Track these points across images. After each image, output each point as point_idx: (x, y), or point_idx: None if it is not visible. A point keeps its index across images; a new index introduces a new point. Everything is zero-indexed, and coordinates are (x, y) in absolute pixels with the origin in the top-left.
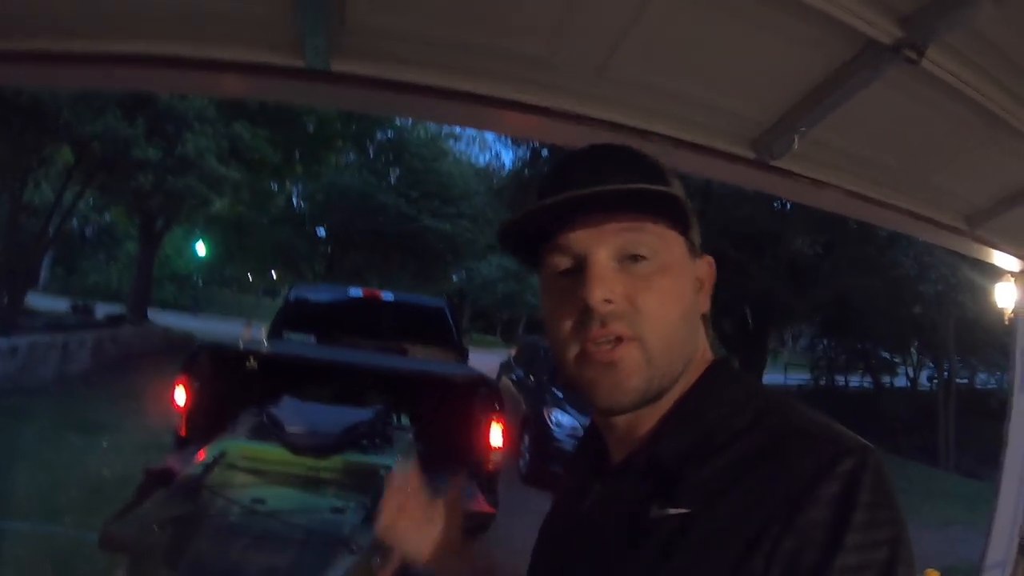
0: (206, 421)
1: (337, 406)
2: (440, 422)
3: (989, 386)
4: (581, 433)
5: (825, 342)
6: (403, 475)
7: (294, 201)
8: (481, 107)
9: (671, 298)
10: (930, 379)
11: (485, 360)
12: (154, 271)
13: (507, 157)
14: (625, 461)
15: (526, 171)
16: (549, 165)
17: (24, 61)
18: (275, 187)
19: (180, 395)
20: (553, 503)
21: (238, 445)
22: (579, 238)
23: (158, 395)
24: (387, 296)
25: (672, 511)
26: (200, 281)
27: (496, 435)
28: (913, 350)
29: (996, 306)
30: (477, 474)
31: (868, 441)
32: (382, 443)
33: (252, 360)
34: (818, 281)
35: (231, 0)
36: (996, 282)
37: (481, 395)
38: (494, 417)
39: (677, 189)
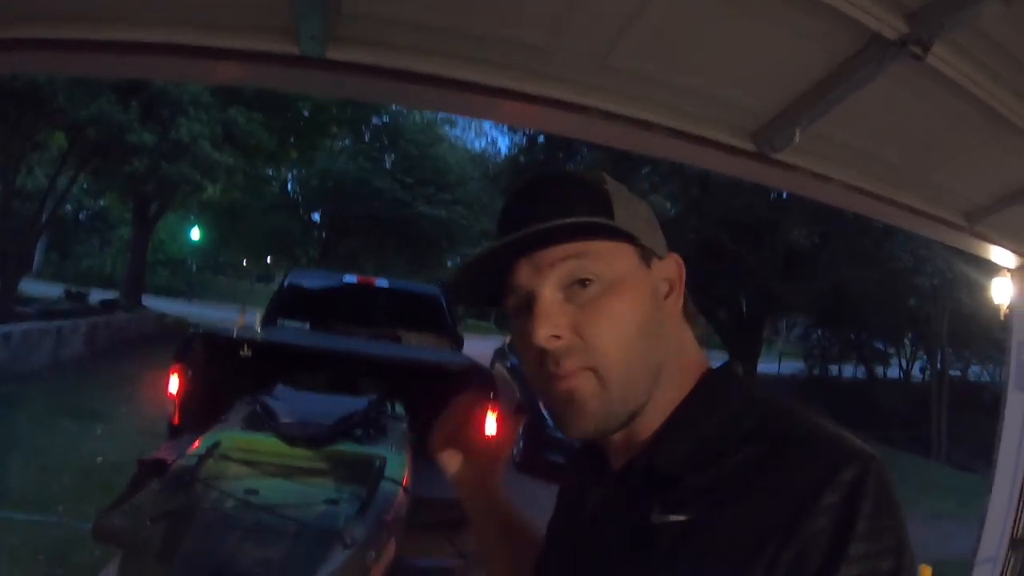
0: (200, 409)
1: (331, 395)
2: (434, 411)
3: (982, 379)
4: None
5: (819, 332)
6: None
7: (289, 187)
8: (479, 96)
9: (621, 319)
10: (923, 370)
11: (479, 347)
12: (148, 256)
13: (503, 143)
14: (625, 467)
15: (522, 157)
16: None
17: (18, 49)
18: (270, 173)
19: (173, 383)
20: (556, 507)
21: (231, 436)
22: (522, 277)
23: (152, 382)
24: (382, 283)
25: (673, 518)
26: (194, 267)
27: (491, 424)
28: (907, 341)
29: (991, 301)
30: None
31: (864, 439)
32: (376, 433)
33: (246, 348)
34: (815, 272)
35: None
36: (992, 277)
37: (476, 383)
38: (488, 406)
39: (618, 201)
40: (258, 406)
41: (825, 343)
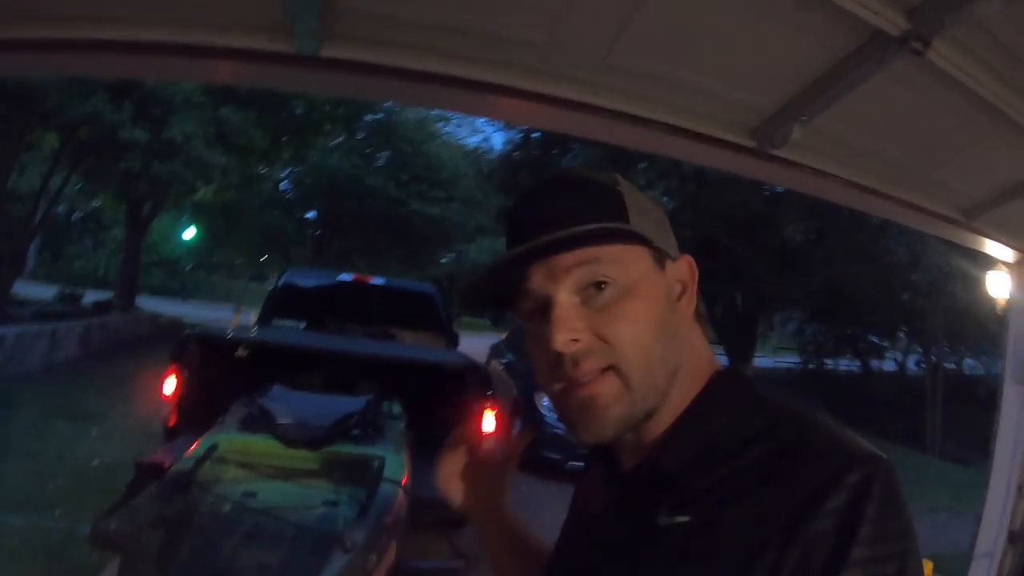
0: (196, 410)
1: (328, 395)
2: (431, 410)
3: (977, 373)
4: None
5: (814, 327)
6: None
7: (282, 185)
8: (478, 94)
9: (638, 320)
10: (918, 364)
11: (474, 344)
12: (142, 257)
13: (497, 140)
14: (634, 469)
15: (516, 154)
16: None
17: (11, 50)
18: (263, 171)
19: (169, 385)
20: (571, 506)
21: (229, 438)
22: (537, 282)
23: (147, 383)
24: (377, 281)
25: (679, 519)
26: (188, 267)
27: (488, 422)
28: (901, 335)
29: (986, 295)
30: None
31: (859, 433)
32: (374, 433)
33: (241, 348)
34: (810, 267)
35: None
36: (987, 271)
37: (473, 381)
38: (487, 404)
39: (632, 203)
40: (255, 408)
41: (820, 337)
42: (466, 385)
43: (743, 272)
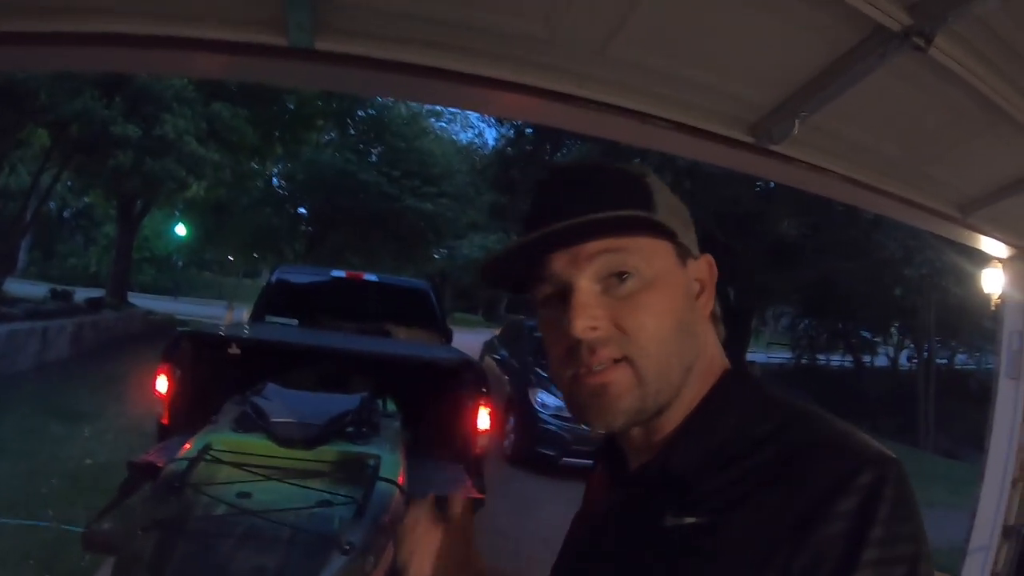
0: (189, 409)
1: (322, 393)
2: (426, 407)
3: (968, 367)
4: (566, 414)
5: (807, 322)
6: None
7: (274, 181)
8: (474, 87)
9: (658, 314)
10: (910, 359)
11: (467, 340)
12: (133, 254)
13: (490, 135)
14: (641, 469)
15: (509, 149)
16: (533, 189)
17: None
18: (255, 167)
19: (162, 383)
20: (581, 505)
21: (222, 437)
22: (559, 267)
23: (140, 382)
24: (370, 277)
25: (687, 520)
26: (180, 263)
27: (483, 419)
28: (894, 330)
29: (980, 290)
30: (464, 459)
31: (852, 417)
32: (369, 431)
33: (234, 346)
34: (802, 262)
35: None
36: (981, 267)
37: (468, 378)
38: (481, 401)
39: (659, 197)
40: (249, 406)
41: (812, 332)
42: (461, 382)
43: (736, 267)
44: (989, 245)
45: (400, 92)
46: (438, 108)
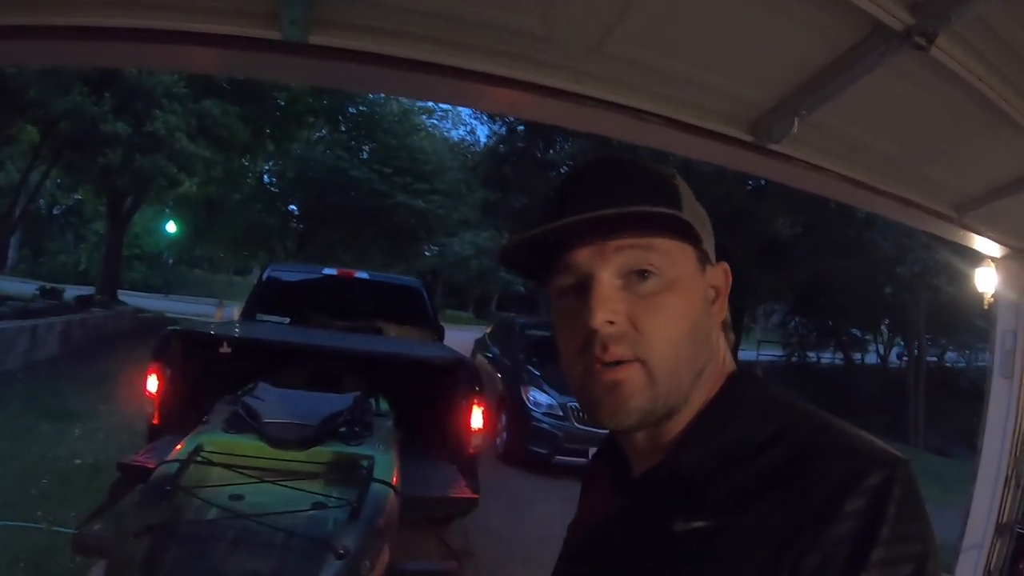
0: (180, 408)
1: (315, 393)
2: (419, 406)
3: (959, 365)
4: (559, 412)
5: (797, 319)
6: None
7: (265, 178)
8: (470, 83)
9: (676, 316)
10: (900, 357)
11: (458, 337)
12: (124, 251)
13: (482, 132)
14: (647, 473)
15: (501, 147)
16: (558, 184)
17: None
18: (246, 164)
19: (152, 382)
20: (578, 508)
21: (214, 438)
22: (582, 258)
23: (130, 380)
24: (362, 275)
25: (694, 524)
26: (170, 261)
27: (477, 418)
28: (884, 328)
29: (971, 288)
30: (458, 458)
31: (843, 415)
32: (362, 431)
33: (225, 344)
34: (793, 260)
35: None
36: (973, 265)
37: (461, 377)
38: (475, 400)
39: (686, 200)
40: (240, 406)
41: (803, 330)
42: (454, 381)
43: (728, 265)
44: (983, 245)
45: (395, 87)
46: (430, 105)
